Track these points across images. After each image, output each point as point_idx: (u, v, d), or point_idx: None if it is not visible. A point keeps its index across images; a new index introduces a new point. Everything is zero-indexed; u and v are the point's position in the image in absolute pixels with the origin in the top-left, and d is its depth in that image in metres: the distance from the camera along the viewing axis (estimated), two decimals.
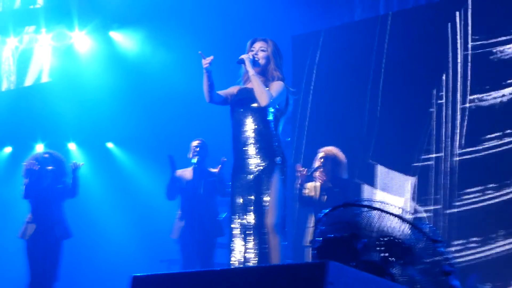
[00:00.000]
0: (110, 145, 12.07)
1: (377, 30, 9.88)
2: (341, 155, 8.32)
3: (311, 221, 8.05)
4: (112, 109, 11.55)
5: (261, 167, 6.27)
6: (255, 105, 6.36)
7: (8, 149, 12.70)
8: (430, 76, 9.32)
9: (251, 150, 6.32)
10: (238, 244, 6.22)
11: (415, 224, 3.70)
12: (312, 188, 8.22)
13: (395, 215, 3.70)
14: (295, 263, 3.20)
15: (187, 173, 8.89)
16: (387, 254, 3.76)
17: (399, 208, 3.70)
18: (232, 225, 6.31)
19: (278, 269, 3.47)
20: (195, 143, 8.81)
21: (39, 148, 12.31)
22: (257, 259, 6.04)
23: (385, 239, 3.76)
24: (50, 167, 8.51)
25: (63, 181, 8.62)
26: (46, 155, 8.68)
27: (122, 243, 10.46)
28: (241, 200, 6.29)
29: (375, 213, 3.77)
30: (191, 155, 8.81)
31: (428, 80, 9.36)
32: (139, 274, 3.65)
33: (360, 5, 10.19)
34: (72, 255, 9.12)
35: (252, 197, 6.25)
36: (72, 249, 9.09)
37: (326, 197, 8.09)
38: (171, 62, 11.11)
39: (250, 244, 6.15)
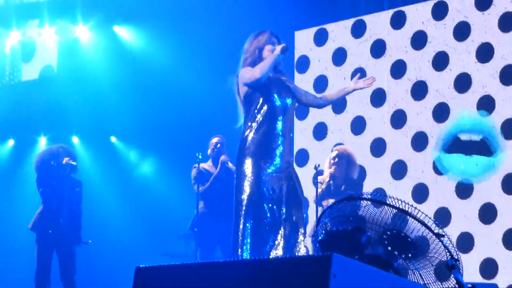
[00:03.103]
0: (113, 139, 12.07)
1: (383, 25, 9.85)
2: (354, 155, 8.38)
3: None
4: (115, 103, 11.55)
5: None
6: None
7: (11, 142, 12.70)
8: None
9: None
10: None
11: (419, 218, 3.71)
12: (325, 183, 8.22)
13: (399, 209, 3.70)
14: (300, 256, 3.20)
15: (207, 167, 8.92)
16: (391, 248, 3.77)
17: (402, 202, 3.70)
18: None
19: (282, 261, 3.47)
20: (214, 140, 8.80)
21: (43, 141, 12.33)
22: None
23: (389, 233, 3.77)
24: (65, 161, 8.49)
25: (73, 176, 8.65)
26: (60, 149, 8.67)
27: (124, 237, 10.47)
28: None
29: (379, 207, 3.78)
30: (210, 152, 8.82)
31: None
32: (143, 266, 3.65)
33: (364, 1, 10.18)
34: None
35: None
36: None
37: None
38: (175, 56, 11.11)
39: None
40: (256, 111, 6.21)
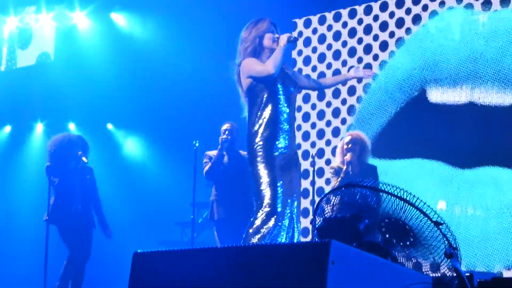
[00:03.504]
0: (110, 126, 12.06)
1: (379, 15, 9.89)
2: (368, 140, 8.28)
3: None
4: (112, 90, 11.52)
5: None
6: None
7: (7, 128, 12.69)
8: None
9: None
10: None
11: (418, 206, 3.70)
12: (338, 170, 8.10)
13: (398, 197, 3.69)
14: (298, 242, 3.20)
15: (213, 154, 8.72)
16: (389, 235, 3.77)
17: (401, 190, 3.70)
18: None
19: (281, 247, 3.47)
20: (225, 126, 8.69)
21: (40, 128, 12.32)
22: None
23: (388, 220, 3.77)
24: (80, 154, 8.42)
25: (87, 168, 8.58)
26: (78, 140, 8.56)
27: (120, 224, 10.45)
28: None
29: (377, 194, 3.78)
30: (221, 139, 8.71)
31: None
32: (140, 251, 3.64)
33: None
34: None
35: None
36: None
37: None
38: (172, 43, 11.08)
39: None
40: (262, 103, 6.15)
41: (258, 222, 6.01)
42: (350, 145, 8.01)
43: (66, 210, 8.30)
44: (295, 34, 6.37)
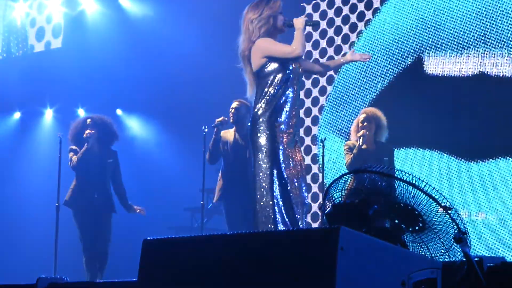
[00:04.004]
0: (119, 111, 12.07)
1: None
2: (383, 117, 7.94)
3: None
4: (121, 76, 11.53)
5: None
6: None
7: (17, 115, 12.72)
8: None
9: None
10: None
11: (427, 191, 3.70)
12: (352, 147, 7.86)
13: (407, 182, 3.69)
14: (308, 228, 3.21)
15: (228, 135, 8.59)
16: (398, 221, 3.77)
17: (410, 175, 3.69)
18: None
19: (290, 234, 3.48)
20: (233, 104, 8.58)
21: (49, 114, 12.34)
22: None
23: (397, 206, 3.77)
24: (90, 132, 8.45)
25: (108, 149, 8.58)
26: (89, 120, 8.58)
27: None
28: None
29: (386, 180, 3.77)
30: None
31: None
32: (150, 238, 3.66)
33: None
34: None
35: None
36: None
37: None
38: (182, 28, 11.06)
39: None
40: (273, 83, 6.17)
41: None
42: (365, 123, 7.82)
43: (85, 194, 8.36)
44: (306, 18, 6.32)
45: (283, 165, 6.06)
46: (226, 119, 8.48)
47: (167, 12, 11.34)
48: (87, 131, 8.45)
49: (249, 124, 6.31)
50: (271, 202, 6.02)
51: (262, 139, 6.09)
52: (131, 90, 11.54)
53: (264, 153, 6.09)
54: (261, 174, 6.09)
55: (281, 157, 6.07)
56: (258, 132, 6.11)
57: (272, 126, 6.10)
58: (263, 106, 6.14)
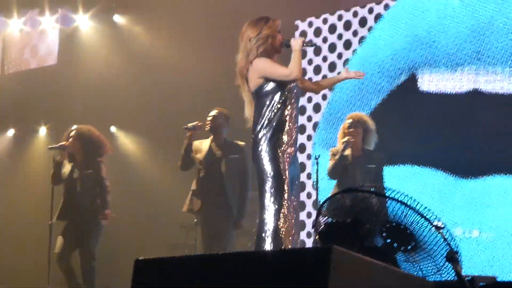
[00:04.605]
0: (113, 129, 12.07)
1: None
2: (371, 122, 7.65)
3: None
4: (115, 93, 11.55)
5: None
6: None
7: (11, 132, 12.72)
8: None
9: None
10: None
11: (419, 210, 3.71)
12: (341, 155, 7.50)
13: (399, 201, 3.70)
14: (300, 248, 3.21)
15: (203, 145, 8.34)
16: (390, 240, 3.77)
17: (402, 194, 3.70)
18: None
19: (283, 253, 3.48)
20: (212, 112, 8.27)
21: (43, 131, 12.34)
22: None
23: (389, 225, 3.77)
24: (64, 144, 8.45)
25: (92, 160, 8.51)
26: (73, 132, 8.54)
27: (126, 227, 10.48)
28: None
29: (378, 199, 3.78)
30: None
31: None
32: (142, 258, 3.65)
33: None
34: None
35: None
36: None
37: (357, 170, 7.44)
38: (175, 46, 11.09)
39: None
40: (271, 104, 6.14)
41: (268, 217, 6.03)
42: (351, 129, 7.54)
43: (70, 209, 8.35)
44: (304, 38, 6.29)
45: (286, 190, 6.04)
46: (200, 124, 8.25)
47: (161, 29, 11.37)
48: (63, 143, 8.47)
49: (252, 147, 6.25)
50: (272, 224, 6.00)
51: (266, 162, 6.06)
52: (125, 107, 11.55)
53: (270, 178, 6.06)
54: (266, 200, 6.05)
55: (286, 181, 6.05)
56: (260, 155, 6.08)
57: (274, 147, 6.08)
58: (263, 127, 6.12)
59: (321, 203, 4.12)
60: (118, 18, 11.87)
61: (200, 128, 8.24)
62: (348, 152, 7.50)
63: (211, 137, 8.36)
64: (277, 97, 6.13)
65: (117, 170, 11.19)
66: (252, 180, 7.34)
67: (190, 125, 8.21)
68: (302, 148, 10.11)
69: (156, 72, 11.35)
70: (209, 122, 8.29)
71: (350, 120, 7.64)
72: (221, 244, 8.01)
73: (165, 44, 11.26)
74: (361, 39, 9.65)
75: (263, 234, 5.95)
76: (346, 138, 7.51)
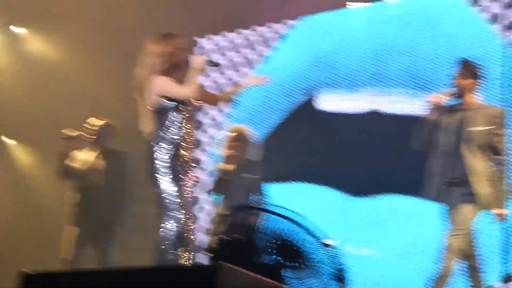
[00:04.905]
0: (4, 138, 11.83)
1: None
2: (251, 134, 7.62)
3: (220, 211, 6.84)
4: (16, 105, 11.34)
5: None
6: None
7: None
8: None
9: None
10: None
11: (307, 228, 3.74)
12: (224, 169, 7.52)
13: (286, 218, 3.73)
14: (186, 265, 3.20)
15: (83, 156, 8.34)
16: (279, 257, 3.80)
17: (290, 211, 3.73)
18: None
19: (170, 270, 3.46)
20: (95, 122, 8.29)
21: None
22: None
23: (278, 242, 3.79)
24: None
25: None
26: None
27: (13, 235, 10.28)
28: None
29: (268, 215, 3.80)
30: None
31: None
32: (26, 271, 3.56)
33: None
34: None
35: None
36: None
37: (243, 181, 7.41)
38: (78, 61, 10.98)
39: None
40: (170, 120, 6.15)
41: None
42: (232, 142, 7.51)
43: None
44: (206, 58, 6.31)
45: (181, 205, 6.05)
46: (81, 134, 8.25)
47: (57, 39, 11.24)
48: None
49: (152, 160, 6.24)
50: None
51: (166, 180, 6.05)
52: (20, 120, 11.35)
53: (166, 194, 6.05)
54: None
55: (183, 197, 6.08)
56: (160, 172, 6.07)
57: (175, 164, 6.09)
58: (161, 142, 6.12)
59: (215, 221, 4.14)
60: (15, 29, 11.67)
61: (79, 138, 8.24)
62: (230, 166, 7.51)
63: (91, 148, 8.35)
64: (175, 114, 6.15)
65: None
66: (140, 192, 7.33)
67: (69, 134, 8.17)
68: (200, 163, 10.08)
69: (56, 85, 11.19)
70: (94, 133, 8.29)
71: (232, 134, 7.63)
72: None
73: (66, 59, 11.13)
74: (264, 58, 9.66)
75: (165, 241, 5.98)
76: (228, 152, 7.52)
